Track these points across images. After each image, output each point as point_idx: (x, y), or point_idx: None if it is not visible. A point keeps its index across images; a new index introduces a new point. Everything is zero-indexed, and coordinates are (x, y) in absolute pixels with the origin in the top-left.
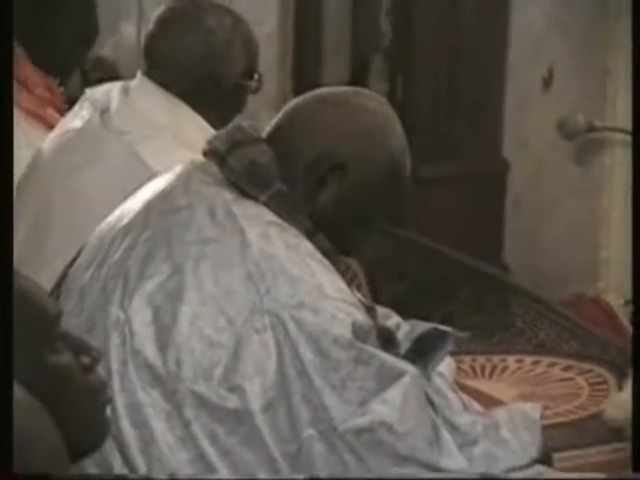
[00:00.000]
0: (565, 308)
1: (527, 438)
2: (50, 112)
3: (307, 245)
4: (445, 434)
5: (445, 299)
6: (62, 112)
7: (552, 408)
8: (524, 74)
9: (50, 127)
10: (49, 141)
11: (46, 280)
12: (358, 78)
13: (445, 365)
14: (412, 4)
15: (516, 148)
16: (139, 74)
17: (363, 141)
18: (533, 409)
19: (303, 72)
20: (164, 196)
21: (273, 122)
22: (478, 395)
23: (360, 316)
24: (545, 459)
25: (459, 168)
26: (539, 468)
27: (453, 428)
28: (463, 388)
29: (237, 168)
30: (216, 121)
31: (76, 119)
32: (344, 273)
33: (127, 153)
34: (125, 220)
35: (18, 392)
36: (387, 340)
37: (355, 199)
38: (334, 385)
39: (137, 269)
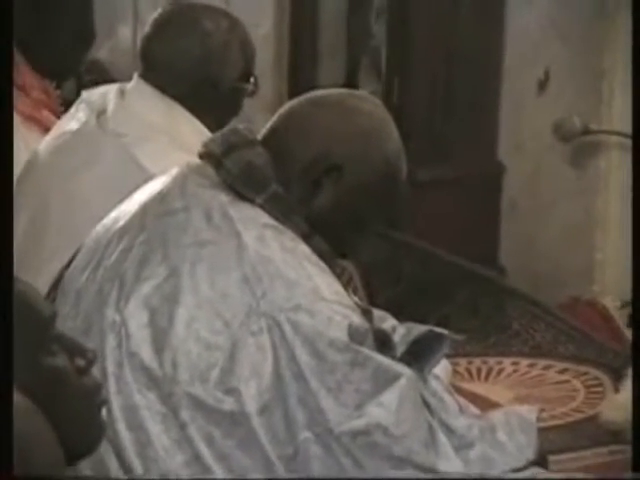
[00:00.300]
0: (561, 311)
1: (523, 441)
2: (46, 115)
3: (303, 248)
4: (441, 437)
5: (441, 302)
6: (58, 115)
7: (548, 411)
8: (520, 76)
9: (46, 130)
10: (45, 143)
11: (43, 282)
12: (354, 81)
13: (441, 368)
14: (408, 6)
15: (512, 151)
16: (135, 76)
17: (358, 143)
18: (529, 412)
19: (299, 74)
20: (160, 198)
21: (268, 124)
22: (474, 398)
23: (356, 319)
24: (541, 462)
25: (455, 171)
26: (535, 470)
27: (449, 431)
28: (459, 391)
29: (233, 171)
30: (212, 124)
31: (72, 121)
32: (340, 276)
33: (123, 155)
34: (121, 222)
35: (14, 395)
36: (383, 343)
37: (351, 201)
38: (330, 388)
39: (133, 271)
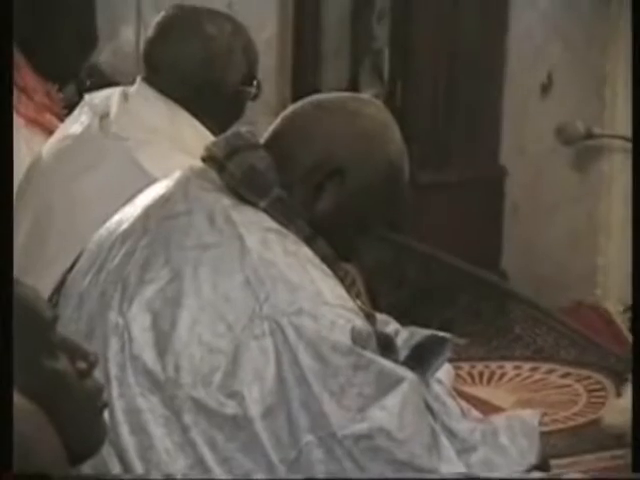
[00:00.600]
0: (563, 315)
1: (525, 445)
2: (49, 118)
3: (306, 251)
4: (444, 441)
5: (444, 306)
6: (61, 118)
7: (550, 415)
8: (523, 80)
9: (50, 133)
10: (48, 146)
11: (45, 285)
12: (357, 84)
13: (443, 372)
14: (411, 10)
15: (514, 154)
16: (138, 80)
17: (361, 146)
18: (532, 416)
19: (302, 78)
20: (163, 202)
21: (271, 128)
22: (476, 401)
23: (359, 322)
24: (543, 466)
25: (457, 174)
26: (537, 475)
27: (452, 435)
28: (461, 394)
29: (236, 174)
30: (215, 127)
31: (75, 125)
32: (343, 279)
33: (126, 159)
34: (124, 226)
35: (15, 397)
36: (386, 346)
37: (354, 205)
38: (333, 391)
39: (136, 275)
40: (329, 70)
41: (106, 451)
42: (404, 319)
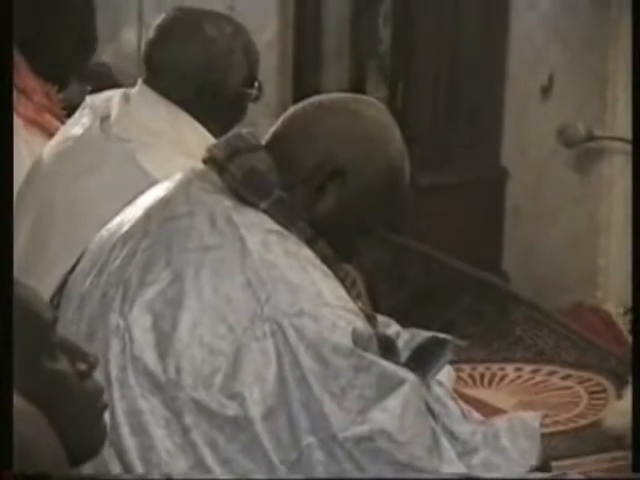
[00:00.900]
0: (564, 317)
1: (526, 446)
2: (48, 119)
3: (307, 252)
4: (444, 442)
5: (444, 307)
6: (60, 119)
7: (551, 417)
8: (524, 82)
9: (49, 134)
10: (49, 148)
11: (46, 287)
12: (358, 86)
13: (444, 374)
14: (412, 12)
15: (515, 156)
16: (139, 82)
17: (362, 147)
18: (533, 418)
19: (303, 80)
20: (164, 204)
21: (272, 129)
22: (477, 404)
23: (360, 324)
24: (544, 467)
25: (458, 176)
26: (537, 475)
27: (453, 437)
28: (462, 396)
29: (237, 176)
30: (216, 129)
31: (76, 126)
32: (344, 280)
33: (127, 161)
34: (125, 227)
35: (15, 399)
36: (387, 348)
37: (355, 206)
38: (334, 393)
39: (137, 276)
40: (330, 72)
41: (107, 452)
42: (405, 321)
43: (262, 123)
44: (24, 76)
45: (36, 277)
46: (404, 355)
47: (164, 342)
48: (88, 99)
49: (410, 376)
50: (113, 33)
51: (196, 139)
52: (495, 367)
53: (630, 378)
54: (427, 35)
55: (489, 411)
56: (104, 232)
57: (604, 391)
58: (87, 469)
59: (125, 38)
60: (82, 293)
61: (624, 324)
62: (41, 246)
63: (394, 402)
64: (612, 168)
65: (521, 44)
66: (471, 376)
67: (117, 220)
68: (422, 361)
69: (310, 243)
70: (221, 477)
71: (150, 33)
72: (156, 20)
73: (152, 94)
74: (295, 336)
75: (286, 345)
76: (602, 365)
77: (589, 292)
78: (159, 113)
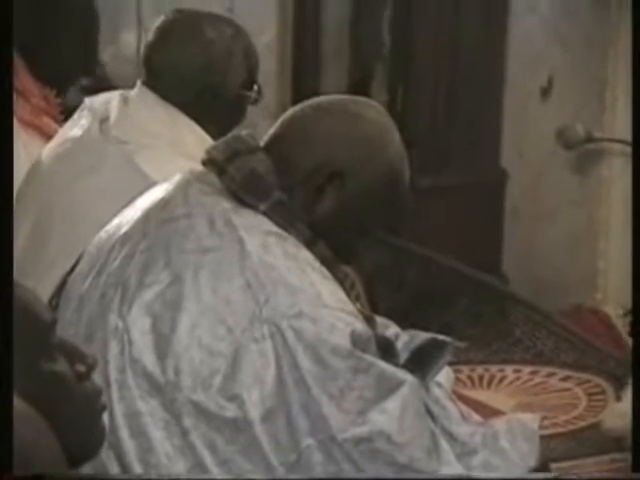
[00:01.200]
0: (563, 318)
1: (525, 448)
2: (46, 121)
3: (306, 254)
4: (444, 444)
5: (443, 309)
6: (58, 122)
7: (550, 418)
8: (523, 84)
9: (47, 137)
10: (48, 150)
11: (46, 288)
12: (357, 88)
13: (443, 375)
14: (412, 14)
15: (515, 158)
16: (139, 84)
17: (361, 149)
18: (532, 419)
19: (302, 82)
20: (163, 205)
21: (271, 131)
22: (476, 405)
23: (359, 326)
24: (543, 469)
25: (457, 178)
26: (535, 475)
27: (452, 438)
28: (461, 398)
29: (236, 178)
30: (215, 132)
31: (75, 128)
32: (343, 282)
33: (126, 162)
34: (124, 229)
35: (14, 401)
36: (386, 350)
37: (354, 208)
38: (333, 394)
39: (136, 278)
40: (329, 74)
41: (105, 454)
42: (404, 322)
43: (261, 125)
44: (22, 78)
45: (35, 278)
46: (403, 357)
47: (163, 344)
48: (87, 101)
49: (409, 378)
50: (112, 36)
51: (195, 141)
52: (494, 368)
53: (630, 380)
54: (427, 38)
55: (488, 412)
56: (103, 233)
57: (603, 393)
58: (86, 471)
59: (124, 41)
60: (81, 294)
61: (623, 326)
62: (40, 247)
63: (393, 404)
64: (611, 170)
65: (520, 46)
66: (470, 377)
67: (116, 221)
68: (421, 362)
69: (309, 245)
70: (218, 477)
71: (149, 35)
72: (155, 22)
73: (151, 96)
74: (294, 338)
75: (285, 347)
76: (601, 367)
77: (588, 294)
78: (158, 115)
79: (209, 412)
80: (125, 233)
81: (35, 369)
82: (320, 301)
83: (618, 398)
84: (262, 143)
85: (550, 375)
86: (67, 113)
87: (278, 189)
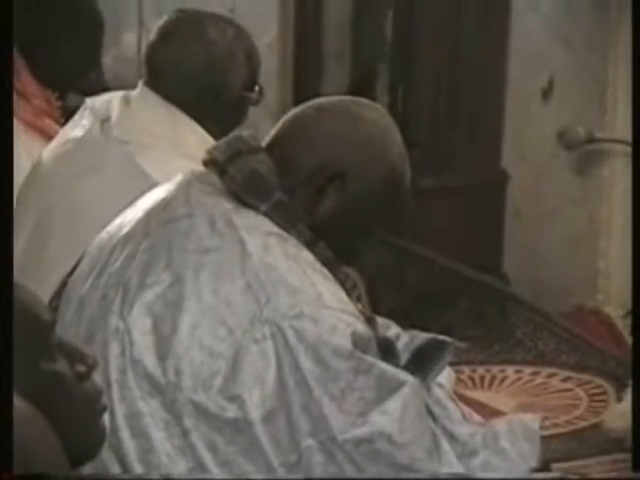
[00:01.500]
0: (565, 319)
1: (526, 449)
2: (48, 123)
3: (307, 255)
4: (444, 444)
5: (444, 310)
6: (60, 123)
7: (551, 419)
8: (524, 85)
9: (48, 138)
10: (49, 150)
11: (47, 289)
12: (358, 89)
13: (444, 375)
14: (413, 15)
15: (516, 159)
16: (140, 84)
17: (363, 150)
18: (533, 420)
19: (303, 83)
20: (164, 205)
21: (272, 132)
22: (477, 406)
23: (360, 326)
24: (544, 470)
25: (459, 179)
26: (536, 476)
27: (452, 439)
28: (462, 398)
29: (237, 178)
30: (217, 132)
31: (76, 128)
32: (344, 283)
33: (127, 163)
34: (125, 229)
35: (15, 401)
36: (387, 350)
37: (355, 209)
38: (334, 395)
39: (137, 278)
40: (330, 75)
41: (106, 455)
42: (405, 323)
43: (262, 125)
44: (24, 80)
45: (36, 279)
46: (404, 357)
47: (164, 344)
48: (88, 101)
49: (410, 378)
50: (113, 36)
51: (196, 141)
52: (495, 369)
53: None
54: (428, 38)
55: (489, 413)
56: (104, 234)
57: (604, 393)
58: (87, 471)
59: (125, 41)
60: (81, 295)
61: (624, 327)
62: (41, 248)
63: (394, 404)
64: (612, 170)
65: (522, 47)
66: (471, 378)
67: (117, 222)
68: (422, 363)
69: (310, 246)
70: (219, 477)
71: (152, 35)
72: (157, 22)
73: (153, 96)
74: (295, 338)
75: (286, 347)
76: (602, 367)
77: (590, 295)
78: (159, 115)
79: (210, 413)
80: (126, 234)
81: (35, 369)
82: (321, 302)
83: (619, 399)
84: (264, 144)
85: (551, 376)
86: (68, 115)
87: (279, 190)
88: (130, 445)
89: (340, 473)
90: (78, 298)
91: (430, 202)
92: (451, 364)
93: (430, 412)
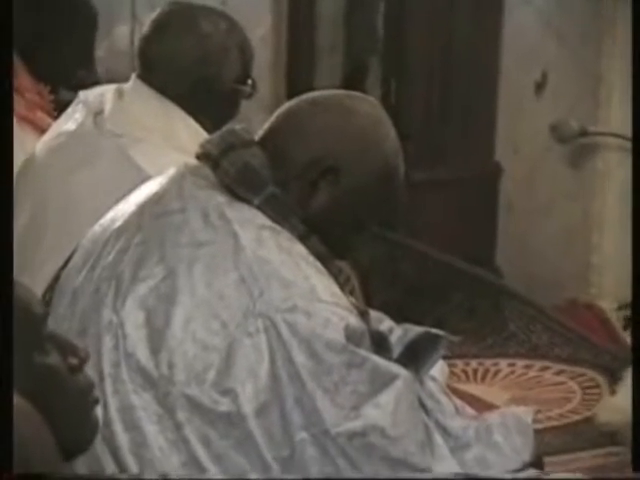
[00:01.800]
0: (558, 313)
1: (519, 442)
2: (41, 116)
3: (300, 248)
4: (437, 438)
5: (438, 303)
6: (52, 117)
7: (544, 412)
8: (517, 79)
9: (41, 131)
10: (42, 144)
11: (40, 282)
12: (351, 82)
13: (437, 369)
14: (405, 8)
15: (509, 152)
16: (133, 77)
17: (356, 144)
18: (526, 413)
19: (296, 76)
20: (157, 199)
21: (266, 125)
22: (470, 399)
23: (353, 320)
24: (537, 463)
25: (452, 172)
26: (531, 472)
27: (445, 432)
28: (455, 392)
29: (230, 171)
30: (210, 125)
31: (69, 121)
32: (337, 277)
33: (120, 156)
34: (118, 223)
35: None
36: (380, 344)
37: (348, 202)
38: (327, 389)
39: (130, 272)
40: (324, 68)
41: (100, 448)
42: (398, 316)
43: (255, 119)
44: (17, 74)
45: (30, 272)
46: (397, 351)
47: (157, 338)
48: (81, 94)
49: (403, 372)
50: (106, 29)
51: (189, 134)
52: (488, 362)
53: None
54: (420, 31)
55: (482, 406)
56: (97, 227)
57: (597, 387)
58: (80, 465)
59: (118, 34)
60: (75, 288)
61: (617, 320)
62: (35, 241)
63: (387, 398)
64: (606, 164)
65: (514, 40)
66: (464, 371)
67: (110, 215)
68: (415, 357)
69: (303, 239)
70: (216, 475)
71: (145, 28)
72: (150, 15)
73: (146, 89)
74: (288, 332)
75: (279, 341)
76: (595, 361)
77: (583, 288)
78: (152, 108)
79: (203, 406)
80: (119, 227)
81: (29, 363)
82: (314, 295)
83: (612, 392)
84: (257, 137)
85: (544, 369)
86: (61, 109)
87: (272, 183)
88: (123, 438)
89: (333, 467)
90: (71, 291)
91: (423, 195)
92: (444, 357)
93: (423, 406)
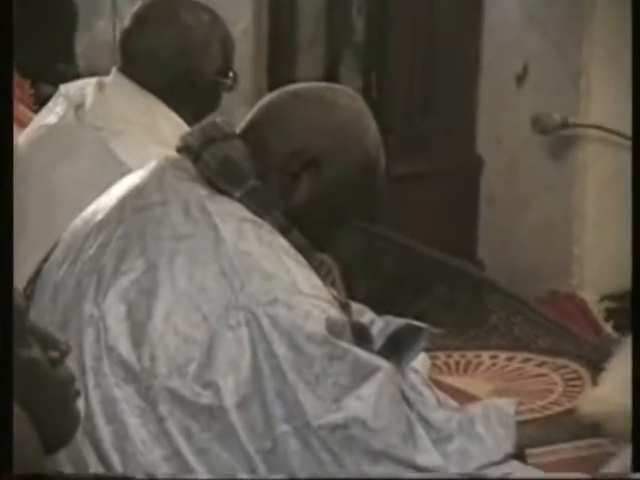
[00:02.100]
0: (540, 304)
1: (502, 434)
2: (22, 109)
3: (281, 241)
4: (419, 430)
5: (419, 295)
6: (33, 110)
7: (526, 404)
8: (498, 71)
9: (22, 125)
10: (23, 137)
11: (22, 276)
12: (332, 74)
13: (420, 361)
14: (386, 1)
15: (490, 144)
16: (114, 70)
17: (337, 137)
18: (508, 404)
19: (278, 68)
20: (138, 192)
21: (247, 118)
22: (453, 391)
23: (334, 312)
24: (519, 455)
25: (433, 164)
26: (514, 464)
27: (427, 424)
28: (438, 384)
29: (211, 164)
30: (191, 118)
31: (51, 115)
32: (318, 269)
33: (101, 149)
34: (99, 216)
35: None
36: (361, 336)
37: (329, 195)
38: (308, 381)
39: (111, 265)
40: (305, 61)
41: (81, 441)
42: (379, 308)
43: (237, 111)
44: None
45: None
46: (378, 343)
47: (138, 331)
48: (62, 88)
49: (384, 364)
50: (87, 22)
51: (170, 127)
52: (470, 354)
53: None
54: (402, 23)
55: (464, 398)
56: (78, 221)
57: (579, 378)
58: (62, 457)
59: (98, 28)
60: (56, 282)
61: (599, 312)
62: (16, 235)
63: (368, 390)
64: (586, 155)
65: (496, 32)
66: (446, 364)
67: (91, 208)
68: (397, 348)
69: (284, 232)
70: (198, 470)
71: (126, 21)
72: (131, 8)
73: (127, 82)
74: (269, 324)
75: (260, 333)
76: (577, 352)
77: (564, 280)
78: (133, 101)
79: (184, 399)
80: (100, 220)
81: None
82: (295, 288)
83: (594, 383)
84: (238, 130)
85: (526, 361)
86: (41, 102)
87: (253, 176)
88: (105, 431)
89: (315, 459)
90: (53, 285)
91: (405, 188)
92: (426, 350)
93: (405, 398)
